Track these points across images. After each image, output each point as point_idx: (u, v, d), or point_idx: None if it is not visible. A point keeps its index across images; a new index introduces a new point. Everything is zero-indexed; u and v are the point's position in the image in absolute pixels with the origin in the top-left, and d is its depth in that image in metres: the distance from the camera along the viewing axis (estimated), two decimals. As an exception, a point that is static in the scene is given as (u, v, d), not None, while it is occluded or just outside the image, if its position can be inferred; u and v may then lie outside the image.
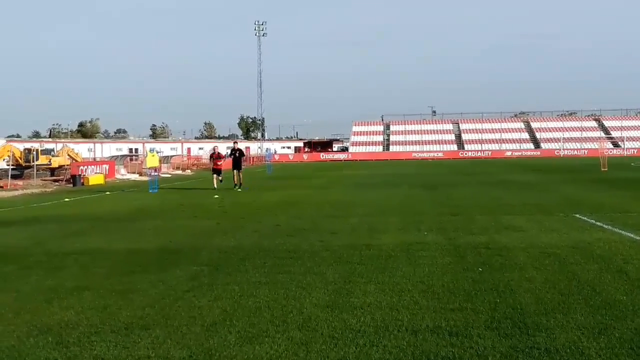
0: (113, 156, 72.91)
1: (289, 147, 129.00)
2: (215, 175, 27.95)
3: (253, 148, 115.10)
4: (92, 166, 42.45)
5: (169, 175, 47.64)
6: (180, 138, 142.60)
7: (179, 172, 54.45)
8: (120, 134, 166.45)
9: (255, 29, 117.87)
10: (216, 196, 23.68)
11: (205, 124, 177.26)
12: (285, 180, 36.72)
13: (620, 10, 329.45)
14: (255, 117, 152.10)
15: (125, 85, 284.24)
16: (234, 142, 31.63)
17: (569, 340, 5.57)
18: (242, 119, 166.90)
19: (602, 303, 6.81)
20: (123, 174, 46.22)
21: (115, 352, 5.54)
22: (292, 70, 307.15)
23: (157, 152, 39.22)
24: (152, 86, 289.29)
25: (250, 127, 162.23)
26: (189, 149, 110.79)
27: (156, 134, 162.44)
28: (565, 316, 6.32)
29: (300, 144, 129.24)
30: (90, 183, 36.42)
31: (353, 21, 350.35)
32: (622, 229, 12.32)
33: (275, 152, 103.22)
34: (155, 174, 33.47)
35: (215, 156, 29.01)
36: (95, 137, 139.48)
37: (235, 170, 27.73)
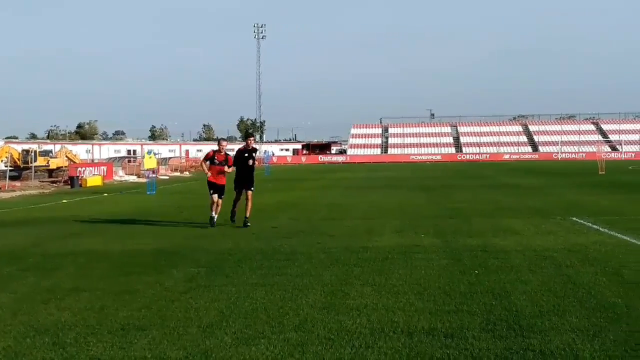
0: (111, 158, 73.01)
1: (287, 150, 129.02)
2: (214, 195, 14.84)
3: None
4: (90, 168, 42.46)
5: (167, 177, 47.66)
6: (178, 140, 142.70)
7: (177, 174, 54.48)
8: (118, 136, 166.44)
9: (254, 32, 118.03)
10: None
11: (204, 126, 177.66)
12: (283, 183, 36.74)
13: (618, 14, 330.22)
14: (254, 120, 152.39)
15: (124, 87, 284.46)
16: (249, 139, 15.53)
17: (564, 343, 5.59)
18: (241, 120, 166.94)
19: (597, 305, 6.83)
20: (121, 175, 46.24)
21: (112, 353, 5.56)
22: (291, 73, 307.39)
23: (155, 154, 39.28)
24: (151, 88, 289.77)
25: (249, 129, 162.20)
26: (187, 151, 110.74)
27: (155, 136, 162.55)
28: (560, 318, 6.34)
29: (299, 146, 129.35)
30: (88, 184, 36.44)
31: (353, 24, 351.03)
32: (619, 232, 12.36)
33: (273, 154, 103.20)
34: (153, 175, 33.53)
35: (216, 156, 15.06)
36: (94, 139, 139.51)
37: (243, 190, 15.06)
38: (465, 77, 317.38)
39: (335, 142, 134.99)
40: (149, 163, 32.85)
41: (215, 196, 14.78)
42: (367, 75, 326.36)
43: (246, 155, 14.97)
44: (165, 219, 16.84)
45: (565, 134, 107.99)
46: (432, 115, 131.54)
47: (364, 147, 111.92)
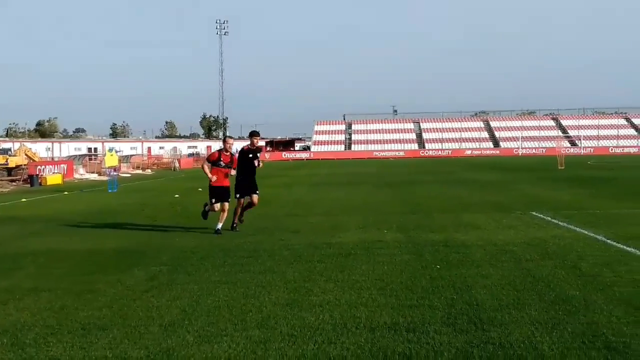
0: (71, 156, 71.85)
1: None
2: (217, 205, 13.10)
3: (215, 147, 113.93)
4: (50, 166, 41.79)
5: (129, 175, 47.15)
6: (140, 137, 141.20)
7: (139, 171, 53.92)
8: (79, 133, 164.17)
9: (216, 28, 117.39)
10: (176, 195, 23.51)
11: (166, 122, 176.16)
12: (247, 180, 36.50)
13: (577, 11, 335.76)
14: (217, 116, 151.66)
15: (85, 84, 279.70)
16: (254, 137, 13.63)
17: (523, 335, 5.69)
18: (204, 117, 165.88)
19: (555, 298, 6.96)
20: (82, 173, 45.59)
21: (72, 353, 5.50)
22: (254, 70, 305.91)
23: (117, 152, 38.84)
24: (112, 85, 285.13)
25: (212, 126, 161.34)
26: (149, 148, 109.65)
27: (116, 133, 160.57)
28: (520, 312, 6.45)
29: (263, 143, 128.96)
30: (48, 183, 35.85)
31: (316, 21, 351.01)
32: (577, 226, 12.59)
33: (236, 151, 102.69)
34: (115, 173, 33.15)
35: (222, 158, 13.36)
36: (54, 137, 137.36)
37: (246, 196, 13.45)
38: (427, 74, 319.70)
39: (299, 139, 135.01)
40: (110, 161, 32.47)
41: (218, 205, 13.02)
42: (330, 71, 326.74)
43: (250, 156, 13.44)
44: (127, 217, 16.65)
45: (525, 130, 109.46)
46: (395, 111, 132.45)
47: (328, 144, 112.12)
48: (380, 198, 21.12)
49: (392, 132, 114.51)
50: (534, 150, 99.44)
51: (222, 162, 13.24)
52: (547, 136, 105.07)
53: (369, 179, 33.52)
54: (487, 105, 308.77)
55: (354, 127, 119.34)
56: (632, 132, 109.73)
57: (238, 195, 13.32)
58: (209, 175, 13.20)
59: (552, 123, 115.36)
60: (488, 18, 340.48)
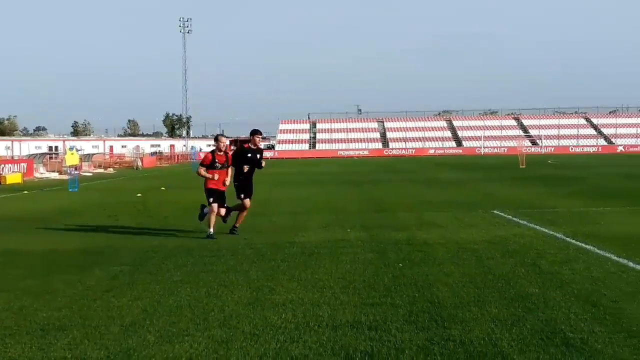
0: (32, 154, 70.65)
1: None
2: (215, 205, 12.28)
3: (178, 146, 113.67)
4: (10, 164, 41.01)
5: (90, 174, 46.50)
6: (102, 136, 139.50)
7: (101, 170, 53.22)
8: (39, 132, 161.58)
9: (179, 26, 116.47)
10: (139, 194, 23.28)
11: (129, 121, 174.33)
12: (211, 179, 36.31)
13: (539, 11, 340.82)
14: (180, 115, 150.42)
15: (46, 82, 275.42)
16: (256, 136, 13.07)
17: (483, 332, 5.75)
18: (167, 116, 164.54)
19: (515, 296, 7.06)
20: (42, 172, 44.85)
21: (31, 354, 5.41)
22: (219, 69, 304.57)
23: (78, 150, 38.31)
24: (73, 83, 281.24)
25: (175, 125, 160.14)
26: (111, 147, 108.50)
27: (78, 132, 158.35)
28: (481, 309, 6.52)
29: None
30: (7, 182, 35.17)
31: (280, 20, 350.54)
32: (537, 224, 12.79)
33: (200, 150, 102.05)
34: (76, 172, 32.70)
35: (217, 159, 12.45)
36: (13, 135, 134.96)
37: (241, 198, 12.62)
38: (391, 73, 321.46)
39: (263, 138, 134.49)
40: (71, 159, 31.97)
41: (216, 205, 12.17)
42: (296, 71, 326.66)
43: (249, 155, 12.62)
44: (88, 216, 16.45)
45: (487, 129, 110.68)
46: (360, 111, 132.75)
47: (292, 143, 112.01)
48: (344, 197, 21.18)
49: (357, 131, 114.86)
50: (496, 150, 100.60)
51: (218, 164, 12.29)
52: (508, 135, 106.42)
53: (333, 178, 33.60)
54: (451, 105, 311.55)
55: (318, 126, 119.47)
56: (592, 131, 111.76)
57: (242, 196, 12.48)
58: (207, 175, 12.29)
59: (513, 123, 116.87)
60: (452, 19, 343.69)
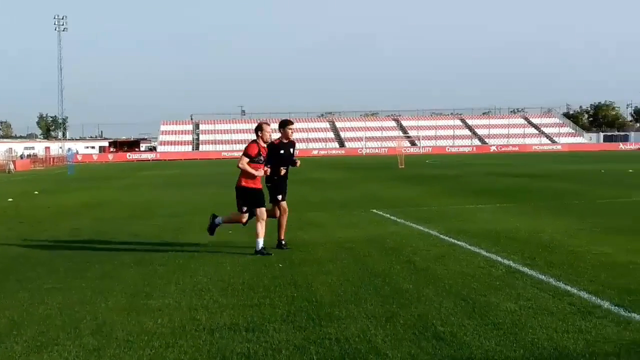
0: None
1: (93, 147, 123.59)
2: (247, 215, 10.30)
3: (54, 148, 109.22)
4: None
5: (-43, 178, 43.86)
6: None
7: (-31, 174, 50.30)
8: None
9: (54, 24, 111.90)
10: (10, 199, 22.19)
11: (1, 122, 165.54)
12: (89, 182, 35.19)
13: (419, 17, 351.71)
14: (55, 116, 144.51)
15: None
16: (288, 127, 10.82)
17: (359, 329, 5.86)
18: (41, 117, 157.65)
19: (390, 292, 7.24)
20: None
21: None
22: (96, 68, 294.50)
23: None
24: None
25: (50, 127, 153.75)
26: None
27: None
28: (357, 306, 6.64)
29: (106, 143, 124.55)
30: None
31: (162, 20, 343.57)
32: (413, 222, 13.19)
33: (77, 152, 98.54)
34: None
35: (262, 151, 10.31)
36: None
37: (278, 200, 10.57)
38: (274, 74, 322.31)
39: (144, 139, 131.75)
40: None
41: (246, 216, 10.22)
42: (176, 71, 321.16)
43: (282, 152, 10.58)
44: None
45: (369, 130, 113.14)
46: (243, 112, 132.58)
47: (175, 144, 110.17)
48: (229, 198, 20.92)
49: (241, 133, 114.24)
50: (377, 150, 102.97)
51: (262, 158, 10.15)
52: (388, 136, 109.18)
53: (217, 179, 33.28)
54: (333, 106, 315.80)
55: (201, 127, 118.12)
56: (467, 132, 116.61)
57: (280, 197, 10.51)
58: (254, 172, 9.98)
59: (393, 124, 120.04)
60: (333, 19, 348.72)
